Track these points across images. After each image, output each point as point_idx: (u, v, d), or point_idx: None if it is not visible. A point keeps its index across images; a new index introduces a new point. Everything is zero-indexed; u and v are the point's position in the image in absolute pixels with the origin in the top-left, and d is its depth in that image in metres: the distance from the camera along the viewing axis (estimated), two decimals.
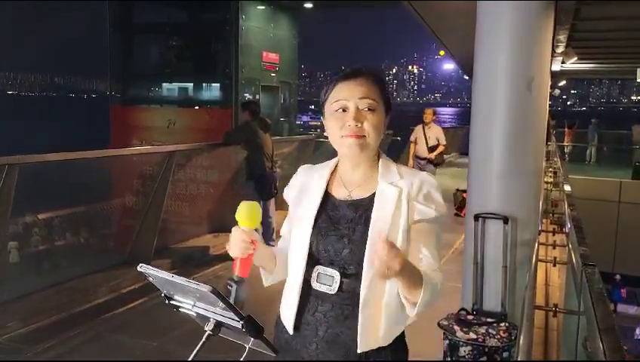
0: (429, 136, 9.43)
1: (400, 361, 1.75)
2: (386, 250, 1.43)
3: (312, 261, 1.71)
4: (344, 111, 1.68)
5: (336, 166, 1.82)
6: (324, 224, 1.72)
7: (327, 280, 1.68)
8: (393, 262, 1.43)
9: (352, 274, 1.66)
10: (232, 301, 1.54)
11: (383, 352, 1.68)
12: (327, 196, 1.77)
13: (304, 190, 1.81)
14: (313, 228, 1.72)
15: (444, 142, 9.64)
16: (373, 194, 1.72)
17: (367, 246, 1.64)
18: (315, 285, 1.70)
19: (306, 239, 1.71)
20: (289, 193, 1.89)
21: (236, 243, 1.67)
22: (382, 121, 1.70)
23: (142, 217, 6.34)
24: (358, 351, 1.64)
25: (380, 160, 1.77)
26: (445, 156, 20.86)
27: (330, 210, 1.74)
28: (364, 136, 1.67)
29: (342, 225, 1.70)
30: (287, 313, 1.75)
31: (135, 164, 7.18)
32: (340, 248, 1.68)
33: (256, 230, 1.72)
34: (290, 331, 1.74)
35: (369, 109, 1.67)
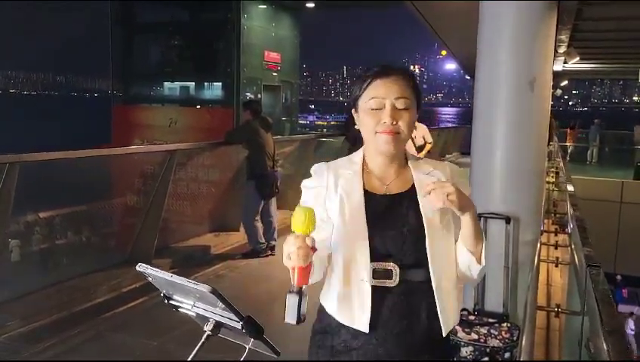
0: (414, 135, 9.30)
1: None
2: (434, 183, 1.62)
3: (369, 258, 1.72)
4: (380, 108, 1.73)
5: (362, 163, 1.83)
6: (374, 220, 1.73)
7: (386, 275, 1.70)
8: (445, 187, 1.59)
9: (409, 265, 1.71)
10: (297, 314, 1.55)
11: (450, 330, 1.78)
12: (364, 192, 1.78)
13: (336, 189, 1.78)
14: (366, 226, 1.72)
15: (431, 140, 9.49)
16: (412, 186, 1.79)
17: (426, 236, 1.71)
18: (373, 282, 1.70)
19: (364, 239, 1.71)
20: (308, 193, 1.83)
21: (299, 252, 1.53)
22: (414, 118, 1.76)
23: (143, 216, 6.32)
24: (444, 334, 1.72)
25: (408, 154, 1.86)
26: (448, 156, 20.94)
27: (374, 205, 1.75)
28: (399, 133, 1.73)
29: (391, 219, 1.74)
30: (362, 314, 1.71)
31: (136, 163, 7.17)
32: (398, 241, 1.72)
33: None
34: (365, 329, 1.71)
35: (404, 108, 1.73)
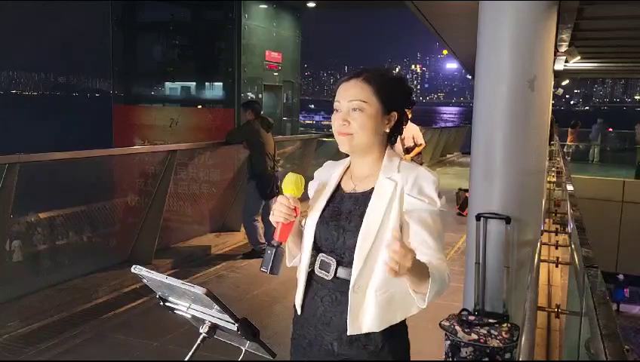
0: (404, 136, 8.87)
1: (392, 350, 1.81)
2: (401, 251, 1.47)
3: (317, 249, 1.86)
4: (339, 111, 1.83)
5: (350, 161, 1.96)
6: (327, 215, 1.87)
7: (326, 267, 1.82)
8: (405, 260, 1.48)
9: (346, 263, 1.79)
10: (269, 264, 1.80)
11: (374, 337, 1.77)
12: (337, 189, 1.92)
13: (322, 184, 1.96)
14: (319, 219, 1.87)
15: (422, 142, 8.91)
16: (374, 188, 1.83)
17: (358, 237, 1.76)
18: (317, 271, 1.84)
19: (312, 228, 1.87)
20: (311, 187, 2.01)
21: (280, 208, 1.81)
22: (373, 120, 1.80)
23: (143, 216, 6.32)
24: (348, 333, 1.76)
25: (386, 155, 1.87)
26: (448, 155, 20.91)
27: (337, 202, 1.88)
28: (351, 134, 1.80)
29: (342, 217, 1.84)
30: (297, 295, 1.91)
31: (137, 164, 7.16)
32: (335, 237, 1.82)
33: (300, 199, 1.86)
34: (298, 311, 1.90)
35: (357, 109, 1.79)
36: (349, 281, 1.76)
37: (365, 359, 1.78)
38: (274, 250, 1.80)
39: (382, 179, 1.81)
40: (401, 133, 1.91)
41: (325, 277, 1.81)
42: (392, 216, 1.76)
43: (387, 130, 1.84)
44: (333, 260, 1.80)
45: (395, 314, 1.79)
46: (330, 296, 1.81)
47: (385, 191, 1.79)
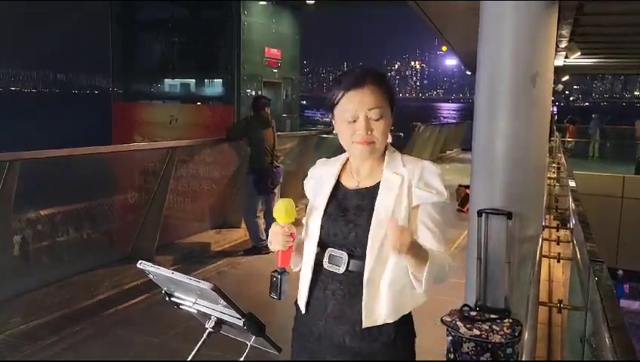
0: None
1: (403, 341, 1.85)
2: (397, 229, 1.59)
3: (324, 244, 1.86)
4: (354, 120, 1.80)
5: (347, 159, 1.96)
6: (333, 211, 1.88)
7: (337, 261, 1.83)
8: (403, 238, 1.58)
9: (358, 256, 1.81)
10: (278, 291, 1.84)
11: (386, 328, 1.81)
12: (338, 186, 1.92)
13: (320, 181, 1.97)
14: (324, 215, 1.88)
15: None
16: (379, 183, 1.85)
17: (370, 230, 1.78)
18: (326, 266, 1.84)
19: (317, 225, 1.87)
20: (307, 184, 2.06)
21: (277, 238, 1.84)
22: (389, 124, 1.84)
23: (144, 213, 6.32)
24: (363, 326, 1.78)
25: (387, 151, 1.90)
26: (448, 152, 20.92)
27: (341, 198, 1.89)
28: (374, 142, 1.81)
29: (349, 212, 1.85)
30: (301, 292, 1.91)
31: (137, 161, 7.16)
32: (346, 232, 1.83)
33: (293, 223, 1.87)
34: (303, 309, 1.90)
35: (378, 118, 1.80)
36: (361, 274, 1.78)
37: (377, 350, 1.81)
38: (279, 277, 1.85)
39: (388, 173, 1.85)
40: None
41: (337, 271, 1.82)
42: (401, 209, 1.79)
43: (392, 128, 1.87)
44: (345, 254, 1.81)
45: (407, 305, 1.84)
46: (342, 289, 1.82)
47: (392, 185, 1.82)
